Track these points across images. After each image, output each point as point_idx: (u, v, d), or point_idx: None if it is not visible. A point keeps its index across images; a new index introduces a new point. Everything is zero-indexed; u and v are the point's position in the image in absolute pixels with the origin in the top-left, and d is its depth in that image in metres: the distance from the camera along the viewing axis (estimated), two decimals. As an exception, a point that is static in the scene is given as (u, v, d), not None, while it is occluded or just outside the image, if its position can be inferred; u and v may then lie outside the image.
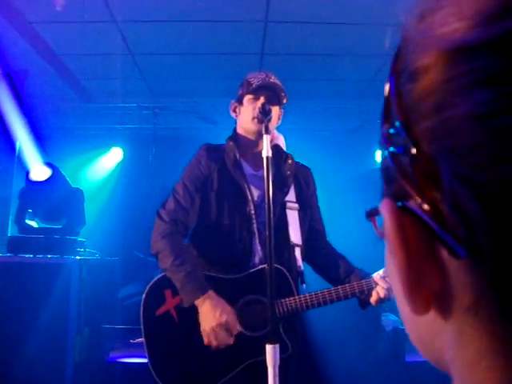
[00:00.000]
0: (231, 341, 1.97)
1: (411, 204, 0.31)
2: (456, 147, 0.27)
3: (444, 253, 0.30)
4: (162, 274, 2.12)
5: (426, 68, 0.29)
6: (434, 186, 0.29)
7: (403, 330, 3.84)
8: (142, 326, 2.08)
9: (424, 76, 0.30)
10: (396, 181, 0.32)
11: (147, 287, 2.12)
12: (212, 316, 1.94)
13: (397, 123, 0.31)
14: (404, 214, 0.32)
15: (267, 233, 1.72)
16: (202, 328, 1.97)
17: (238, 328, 2.00)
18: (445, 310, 0.32)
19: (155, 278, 2.14)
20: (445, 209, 0.28)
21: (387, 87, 0.34)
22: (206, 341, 1.96)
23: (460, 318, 0.31)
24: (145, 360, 2.05)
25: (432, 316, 0.33)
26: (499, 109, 0.26)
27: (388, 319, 3.88)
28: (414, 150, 0.29)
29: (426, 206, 0.29)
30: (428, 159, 0.29)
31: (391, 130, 0.32)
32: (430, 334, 0.35)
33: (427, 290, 0.32)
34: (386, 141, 0.33)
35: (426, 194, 0.29)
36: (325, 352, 3.26)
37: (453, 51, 0.28)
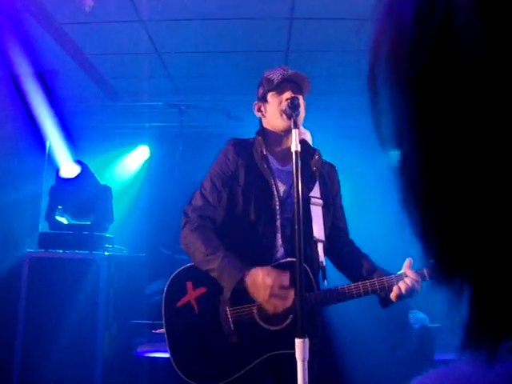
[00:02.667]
0: (291, 297, 1.93)
1: None
2: None
3: None
4: (185, 266, 2.13)
5: None
6: None
7: (431, 327, 3.80)
8: (163, 317, 2.10)
9: None
10: None
11: (169, 279, 2.13)
12: (260, 288, 1.92)
13: None
14: None
15: (296, 227, 1.72)
16: (261, 303, 1.96)
17: (287, 282, 1.95)
18: None
19: (177, 270, 2.14)
20: None
21: None
22: (271, 312, 1.95)
23: None
24: (171, 355, 2.07)
25: None
26: None
27: (416, 317, 3.84)
28: None
29: None
30: None
31: None
32: None
33: None
34: None
35: None
36: (352, 349, 3.24)
37: None
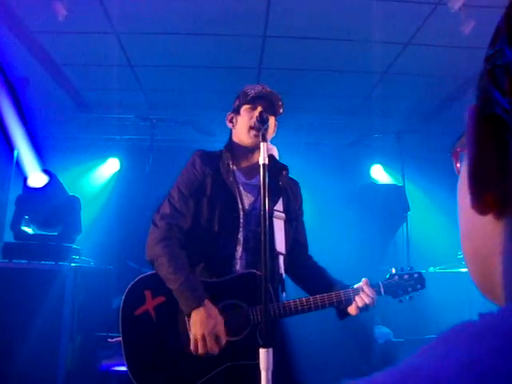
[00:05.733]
0: (217, 351, 1.96)
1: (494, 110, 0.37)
2: None
3: None
4: (144, 274, 2.12)
5: None
6: None
7: (396, 342, 3.86)
8: (120, 325, 2.06)
9: None
10: (485, 92, 0.38)
11: (128, 287, 2.10)
12: (204, 324, 1.94)
13: (501, 40, 0.37)
14: (485, 118, 0.37)
15: (262, 238, 1.75)
16: (192, 334, 1.97)
17: (225, 338, 1.99)
18: (504, 212, 0.37)
19: (137, 278, 2.12)
20: None
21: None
22: (192, 347, 1.96)
23: None
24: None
25: (489, 219, 0.38)
26: None
27: (381, 331, 3.90)
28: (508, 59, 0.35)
29: (504, 104, 0.35)
30: None
31: (496, 48, 0.37)
32: (484, 240, 0.39)
33: (492, 189, 0.37)
34: (487, 61, 0.38)
35: (508, 94, 0.35)
36: (316, 362, 3.26)
37: None
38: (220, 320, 1.99)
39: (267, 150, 2.22)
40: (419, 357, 0.31)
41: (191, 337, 1.97)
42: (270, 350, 1.65)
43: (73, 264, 3.72)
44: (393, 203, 5.23)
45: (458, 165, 0.44)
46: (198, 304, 1.97)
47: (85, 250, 4.23)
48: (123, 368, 3.58)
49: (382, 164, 6.52)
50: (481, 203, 0.37)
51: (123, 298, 2.09)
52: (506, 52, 0.36)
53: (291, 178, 2.42)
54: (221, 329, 1.98)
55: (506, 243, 0.36)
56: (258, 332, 2.03)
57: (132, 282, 2.12)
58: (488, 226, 0.38)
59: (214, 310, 1.99)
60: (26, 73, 4.50)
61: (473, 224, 0.40)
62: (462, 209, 0.41)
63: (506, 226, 0.37)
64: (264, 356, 1.64)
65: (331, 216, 5.42)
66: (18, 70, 4.26)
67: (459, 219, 0.42)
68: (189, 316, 1.99)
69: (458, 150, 0.45)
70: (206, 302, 1.99)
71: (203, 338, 1.94)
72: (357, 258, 4.48)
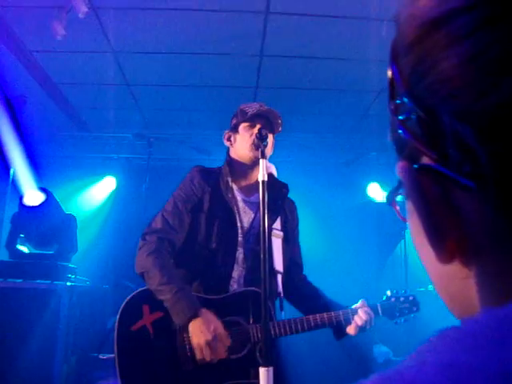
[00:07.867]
0: (225, 354, 1.93)
1: (423, 160, 0.35)
2: (451, 92, 0.32)
3: (459, 198, 0.34)
4: (142, 288, 2.08)
5: (417, 39, 0.35)
6: (439, 135, 0.33)
7: (395, 361, 3.81)
8: (115, 341, 2.00)
9: (416, 46, 0.35)
10: (406, 145, 0.37)
11: (125, 301, 2.06)
12: (205, 330, 1.90)
13: (401, 93, 0.36)
14: (419, 171, 0.36)
15: (261, 256, 1.72)
16: (194, 344, 1.92)
17: (229, 341, 1.96)
18: (468, 255, 0.35)
19: (134, 293, 2.08)
20: (450, 152, 0.32)
21: (389, 71, 0.38)
22: (199, 356, 1.92)
23: (483, 260, 0.35)
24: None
25: (456, 265, 0.36)
26: (478, 52, 0.30)
27: (380, 351, 3.85)
28: (417, 110, 0.34)
29: (434, 156, 0.33)
30: (430, 113, 0.33)
31: (397, 101, 0.36)
32: (456, 283, 0.38)
33: (450, 237, 0.35)
34: (394, 114, 0.37)
35: (433, 144, 0.33)
36: (315, 382, 3.22)
37: (432, 21, 0.33)
38: (220, 323, 1.96)
39: (266, 168, 2.22)
40: (402, 364, 0.31)
41: (194, 346, 1.93)
42: (271, 369, 1.62)
43: (68, 283, 3.69)
44: (390, 221, 5.23)
45: (398, 207, 0.44)
46: (195, 312, 1.93)
47: (81, 269, 4.20)
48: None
49: (378, 182, 6.54)
50: (444, 253, 0.36)
51: (119, 311, 2.04)
52: (408, 105, 0.35)
53: (288, 197, 2.42)
54: (222, 332, 1.94)
55: (479, 283, 0.36)
56: (257, 350, 2.00)
57: (129, 296, 2.08)
58: (457, 271, 0.37)
59: (212, 315, 1.96)
60: (23, 91, 4.52)
61: (441, 272, 0.39)
62: (425, 260, 0.41)
63: (473, 267, 0.36)
64: (264, 375, 1.61)
65: (328, 235, 5.41)
66: (15, 88, 4.28)
67: (426, 269, 0.42)
68: (184, 327, 1.95)
69: (393, 197, 0.44)
70: (202, 309, 1.96)
71: (207, 344, 1.90)
72: (354, 276, 4.46)
